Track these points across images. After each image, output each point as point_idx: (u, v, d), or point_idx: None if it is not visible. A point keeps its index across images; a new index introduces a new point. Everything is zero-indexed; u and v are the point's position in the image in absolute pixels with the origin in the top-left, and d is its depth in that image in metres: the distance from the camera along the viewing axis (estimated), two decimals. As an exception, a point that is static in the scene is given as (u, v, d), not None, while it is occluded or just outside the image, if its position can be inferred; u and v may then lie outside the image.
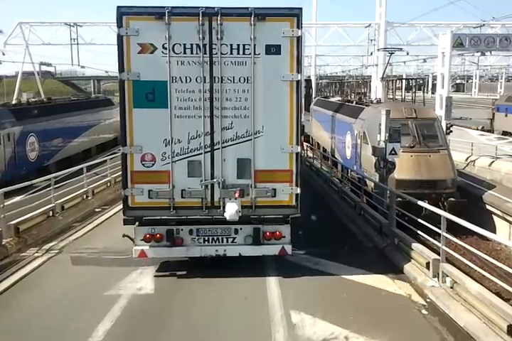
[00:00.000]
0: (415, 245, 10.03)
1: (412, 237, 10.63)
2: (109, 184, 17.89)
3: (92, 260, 11.01)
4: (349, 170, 20.91)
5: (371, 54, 32.09)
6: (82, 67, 41.80)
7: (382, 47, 22.56)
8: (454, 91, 63.89)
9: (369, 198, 15.26)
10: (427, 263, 9.27)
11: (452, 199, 16.72)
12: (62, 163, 23.98)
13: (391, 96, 27.59)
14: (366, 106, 21.25)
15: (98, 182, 17.17)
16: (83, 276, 10.03)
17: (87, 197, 15.92)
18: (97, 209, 15.76)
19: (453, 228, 9.79)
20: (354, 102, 24.33)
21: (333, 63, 64.66)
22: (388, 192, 12.70)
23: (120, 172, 19.24)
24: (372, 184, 17.10)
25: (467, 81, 76.69)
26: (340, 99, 28.83)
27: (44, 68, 54.82)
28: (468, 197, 17.88)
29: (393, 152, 13.04)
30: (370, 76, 43.50)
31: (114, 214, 15.53)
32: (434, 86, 70.59)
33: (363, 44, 39.99)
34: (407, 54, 25.55)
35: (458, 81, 72.87)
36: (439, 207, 15.26)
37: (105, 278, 9.88)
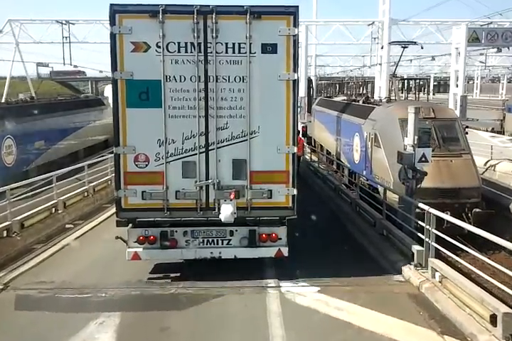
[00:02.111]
0: (470, 287, 7.26)
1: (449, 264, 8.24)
2: (86, 194, 15.01)
3: (43, 301, 8.31)
4: (357, 176, 18.26)
5: (382, 47, 29.39)
6: (75, 66, 38.96)
7: (394, 41, 19.78)
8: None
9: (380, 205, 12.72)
10: (493, 317, 6.47)
11: (478, 210, 14.16)
12: (45, 167, 21.35)
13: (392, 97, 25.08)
14: (377, 105, 18.56)
15: (72, 192, 14.24)
16: (24, 330, 7.34)
17: (56, 210, 13.06)
18: (67, 226, 12.92)
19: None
20: (361, 102, 21.70)
21: (333, 63, 61.92)
22: (419, 210, 9.87)
23: (100, 180, 17.26)
24: (387, 192, 14.61)
25: (468, 82, 73.78)
26: (345, 98, 26.07)
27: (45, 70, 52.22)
28: (492, 207, 15.12)
29: (423, 159, 10.26)
30: (371, 76, 41.08)
31: (89, 230, 12.80)
32: (434, 87, 68.49)
33: (365, 42, 37.38)
34: (422, 48, 23.03)
35: (458, 82, 70.24)
36: (463, 219, 12.84)
37: (53, 332, 7.24)
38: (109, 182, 16.91)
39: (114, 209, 14.70)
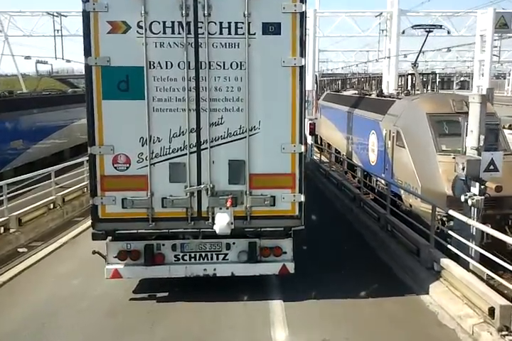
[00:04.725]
0: None
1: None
2: (52, 205, 11.89)
3: None
4: (373, 179, 15.37)
5: (403, 32, 26.21)
6: (68, 60, 35.83)
7: (418, 24, 16.72)
8: (459, 88, 57.80)
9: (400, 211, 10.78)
10: None
11: (524, 222, 11.37)
12: (24, 169, 18.44)
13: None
14: (397, 98, 15.55)
15: (32, 205, 11.11)
16: None
17: (6, 229, 9.95)
18: (20, 250, 9.81)
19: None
20: (374, 95, 18.78)
21: (336, 59, 58.78)
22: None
23: (73, 187, 14.15)
24: (411, 199, 11.88)
25: (472, 78, 70.79)
26: (355, 92, 23.01)
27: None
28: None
29: (492, 166, 7.12)
30: (375, 73, 38.45)
31: (46, 256, 9.71)
32: (438, 83, 65.35)
33: (373, 35, 34.35)
34: (448, 33, 19.98)
35: (462, 78, 66.87)
36: (506, 232, 10.04)
37: None
38: (85, 189, 13.82)
39: (86, 224, 11.83)
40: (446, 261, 7.56)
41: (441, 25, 16.81)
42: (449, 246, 7.88)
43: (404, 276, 8.29)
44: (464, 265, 7.36)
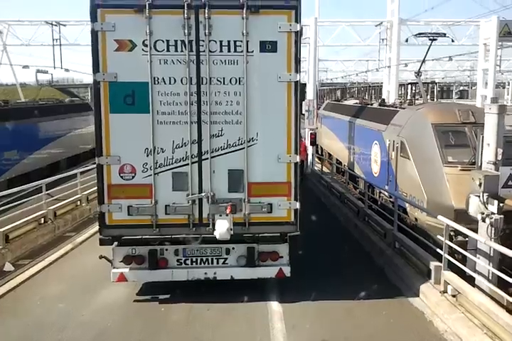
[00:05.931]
0: None
1: None
2: (43, 220, 11.28)
3: None
4: (375, 190, 14.82)
5: (406, 40, 25.76)
6: (66, 70, 35.31)
7: (422, 33, 16.29)
8: (458, 98, 57.32)
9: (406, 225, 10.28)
10: None
11: (535, 238, 10.74)
12: (19, 180, 17.91)
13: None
14: (400, 108, 15.05)
15: (21, 220, 10.52)
16: None
17: (-8, 247, 9.34)
18: (6, 268, 9.19)
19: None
20: (376, 105, 18.33)
21: (335, 68, 58.32)
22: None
23: (64, 201, 13.20)
24: (416, 213, 11.39)
25: (471, 88, 70.51)
26: (357, 101, 22.52)
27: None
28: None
29: (511, 182, 6.54)
30: (374, 82, 38.17)
31: (34, 275, 9.08)
32: (438, 93, 64.99)
33: (373, 44, 33.88)
34: (453, 41, 19.63)
35: (461, 88, 66.50)
36: None
37: None
38: (79, 202, 13.23)
39: (78, 239, 11.27)
40: (461, 285, 6.95)
41: (445, 34, 16.35)
42: (464, 268, 7.27)
43: (415, 300, 7.65)
44: (479, 287, 6.75)
